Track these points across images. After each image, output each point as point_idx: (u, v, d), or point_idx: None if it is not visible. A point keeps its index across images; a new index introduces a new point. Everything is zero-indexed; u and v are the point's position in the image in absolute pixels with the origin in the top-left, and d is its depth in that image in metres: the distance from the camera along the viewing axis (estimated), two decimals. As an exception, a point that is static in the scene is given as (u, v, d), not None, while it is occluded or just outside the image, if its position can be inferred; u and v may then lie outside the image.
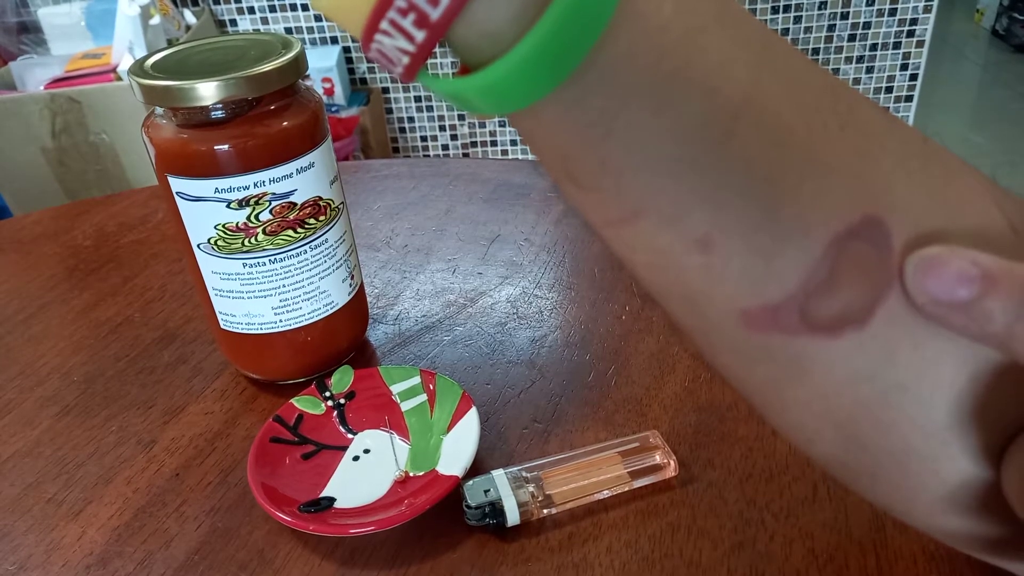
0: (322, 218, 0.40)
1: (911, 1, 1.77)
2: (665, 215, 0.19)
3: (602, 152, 0.18)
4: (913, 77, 1.86)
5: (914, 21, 1.79)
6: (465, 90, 0.17)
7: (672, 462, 0.36)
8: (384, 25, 0.16)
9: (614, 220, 0.20)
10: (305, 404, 0.40)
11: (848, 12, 1.80)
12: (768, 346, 0.20)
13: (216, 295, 0.41)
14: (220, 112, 0.36)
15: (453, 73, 0.19)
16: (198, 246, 0.39)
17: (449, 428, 0.38)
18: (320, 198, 0.40)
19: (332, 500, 0.35)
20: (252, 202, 0.38)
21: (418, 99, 1.98)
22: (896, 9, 1.78)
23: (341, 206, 0.42)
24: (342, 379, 0.42)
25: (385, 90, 1.98)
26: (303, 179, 0.39)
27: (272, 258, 0.39)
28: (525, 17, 0.16)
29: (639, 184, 0.19)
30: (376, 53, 0.17)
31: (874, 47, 1.83)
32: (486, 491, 0.34)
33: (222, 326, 0.42)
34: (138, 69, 0.37)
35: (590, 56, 0.17)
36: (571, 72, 0.17)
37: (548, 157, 0.20)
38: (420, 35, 0.16)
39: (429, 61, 0.18)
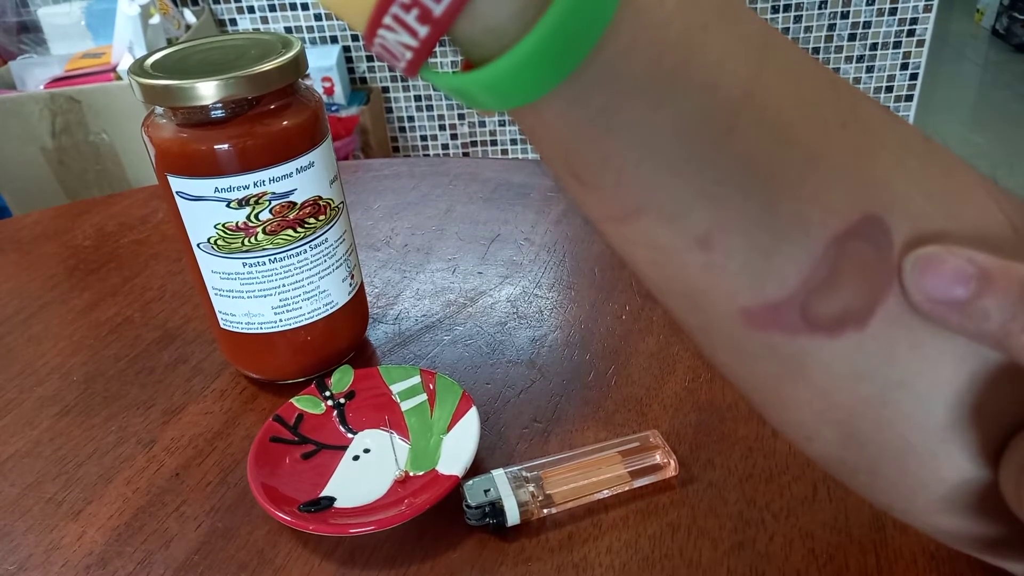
0: (322, 218, 0.40)
1: (911, 1, 1.77)
2: (666, 212, 0.19)
3: (604, 148, 0.18)
4: (913, 77, 1.86)
5: (914, 21, 1.79)
6: (468, 85, 0.17)
7: (672, 462, 0.36)
8: (387, 20, 0.16)
9: (615, 216, 0.20)
10: (305, 404, 0.40)
11: (848, 12, 1.79)
12: (768, 344, 0.20)
13: (216, 295, 0.41)
14: (220, 111, 0.36)
15: (456, 69, 0.19)
16: (198, 246, 0.39)
17: (449, 428, 0.38)
18: (320, 197, 0.40)
19: (332, 500, 0.35)
20: (252, 201, 0.38)
21: (418, 98, 1.98)
22: (896, 9, 1.78)
23: (341, 205, 0.42)
24: (342, 379, 0.42)
25: (385, 89, 1.98)
26: (303, 178, 0.39)
27: (272, 257, 0.39)
28: (528, 13, 0.16)
29: (640, 180, 0.19)
30: (379, 48, 0.17)
31: (874, 47, 1.83)
32: (486, 491, 0.34)
33: (222, 326, 0.42)
34: (138, 68, 0.37)
35: (592, 53, 0.17)
36: (574, 68, 0.17)
37: (550, 153, 0.20)
38: (423, 30, 0.16)
39: (431, 59, 0.18)
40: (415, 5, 0.16)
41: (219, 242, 0.39)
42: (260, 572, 0.33)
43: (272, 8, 1.88)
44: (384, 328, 0.49)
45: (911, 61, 1.84)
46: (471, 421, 0.37)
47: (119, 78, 1.44)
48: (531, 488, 0.34)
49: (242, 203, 0.37)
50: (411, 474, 0.36)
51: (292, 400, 0.40)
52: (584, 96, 0.18)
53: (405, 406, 0.40)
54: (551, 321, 0.48)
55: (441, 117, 2.00)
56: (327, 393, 0.41)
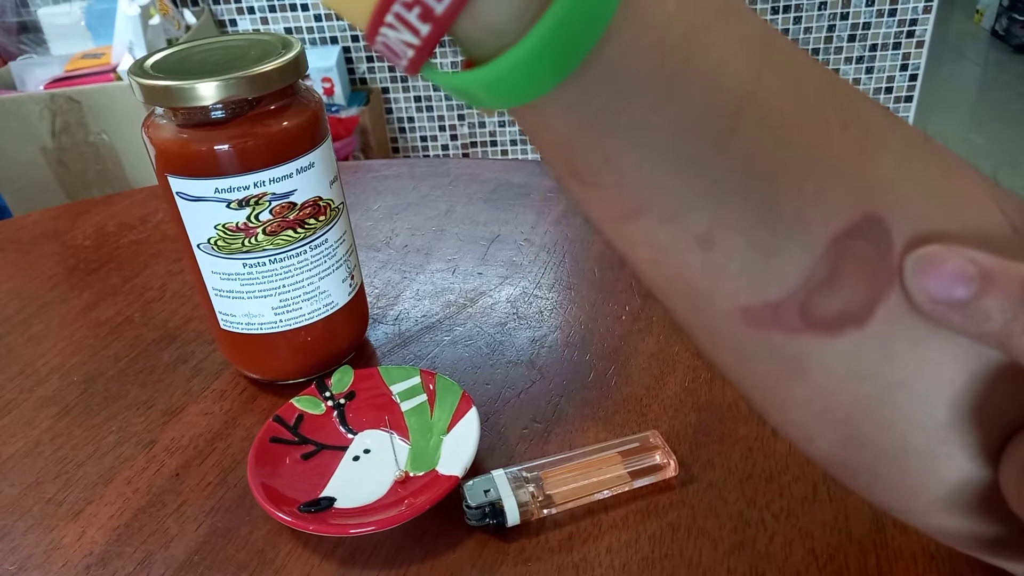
0: (322, 218, 0.40)
1: (911, 1, 1.77)
2: (667, 212, 0.19)
3: (604, 148, 0.18)
4: (913, 77, 1.86)
5: (914, 21, 1.79)
6: (469, 84, 0.18)
7: (672, 462, 0.36)
8: (389, 19, 0.17)
9: (616, 216, 0.20)
10: (305, 404, 0.40)
11: (848, 12, 1.80)
12: (768, 344, 0.20)
13: (216, 295, 0.41)
14: (220, 112, 0.36)
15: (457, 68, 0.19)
16: (198, 246, 0.39)
17: (449, 428, 0.38)
18: (320, 198, 0.40)
19: (332, 500, 0.35)
20: (252, 202, 0.38)
21: (418, 99, 1.98)
22: (896, 9, 1.78)
23: (341, 206, 0.42)
24: (342, 379, 0.42)
25: (385, 90, 1.98)
26: (303, 179, 0.39)
27: (272, 258, 0.39)
28: (529, 12, 0.16)
29: (641, 180, 0.19)
30: (381, 46, 0.17)
31: (874, 47, 1.83)
32: (486, 491, 0.34)
33: (222, 326, 0.42)
34: (138, 69, 0.37)
35: (593, 52, 0.17)
36: (574, 68, 0.17)
37: (551, 152, 0.20)
38: (425, 29, 0.17)
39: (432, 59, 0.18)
40: (417, 3, 0.16)
41: (219, 243, 0.39)
42: (260, 572, 0.33)
43: (272, 9, 1.89)
44: (384, 328, 0.49)
45: (911, 62, 1.84)
46: (471, 421, 0.37)
47: (119, 78, 1.44)
48: (531, 488, 0.34)
49: (242, 204, 0.37)
50: (411, 474, 0.36)
51: (292, 400, 0.40)
52: (585, 96, 0.18)
53: (405, 406, 0.40)
54: (551, 321, 0.48)
55: (441, 118, 2.00)
56: (327, 393, 0.41)
